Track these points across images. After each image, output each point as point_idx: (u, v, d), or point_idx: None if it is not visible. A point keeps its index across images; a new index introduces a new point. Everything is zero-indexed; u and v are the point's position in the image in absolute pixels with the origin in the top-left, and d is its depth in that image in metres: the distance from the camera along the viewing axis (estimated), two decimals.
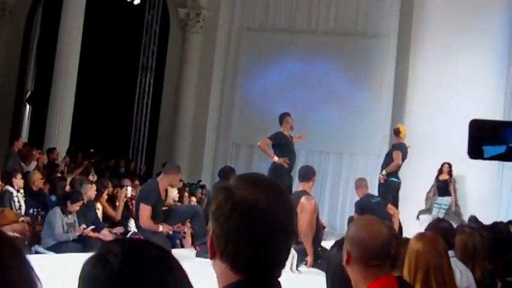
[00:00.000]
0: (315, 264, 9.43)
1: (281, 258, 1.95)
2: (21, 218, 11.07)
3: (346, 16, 19.38)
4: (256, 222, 1.87)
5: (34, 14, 22.54)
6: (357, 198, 13.04)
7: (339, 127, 18.44)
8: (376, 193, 13.66)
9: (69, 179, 13.67)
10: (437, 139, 16.52)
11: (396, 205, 14.01)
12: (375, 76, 18.63)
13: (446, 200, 16.39)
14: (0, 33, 21.92)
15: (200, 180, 18.80)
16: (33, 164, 15.01)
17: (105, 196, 12.74)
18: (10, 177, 11.93)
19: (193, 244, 11.15)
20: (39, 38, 23.12)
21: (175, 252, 9.46)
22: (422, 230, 5.28)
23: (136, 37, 23.52)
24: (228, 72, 20.58)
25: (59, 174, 14.72)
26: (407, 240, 4.57)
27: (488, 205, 15.75)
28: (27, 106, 23.72)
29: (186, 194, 15.13)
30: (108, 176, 16.02)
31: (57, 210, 10.78)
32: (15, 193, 11.61)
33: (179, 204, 13.39)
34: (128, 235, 11.60)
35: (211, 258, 1.96)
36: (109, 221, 12.48)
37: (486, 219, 9.61)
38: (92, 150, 20.43)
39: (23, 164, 14.82)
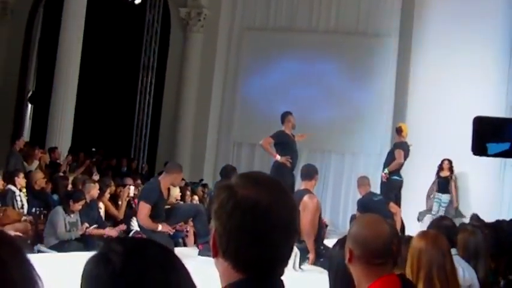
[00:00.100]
0: (317, 263, 9.43)
1: (284, 257, 1.94)
2: (24, 217, 11.08)
3: (347, 15, 19.39)
4: (258, 221, 1.87)
5: (35, 14, 22.55)
6: (359, 196, 13.03)
7: (341, 126, 18.45)
8: (378, 192, 13.66)
9: (71, 178, 13.69)
10: (439, 137, 16.49)
11: (398, 203, 14.01)
12: (377, 75, 18.63)
13: (445, 198, 16.35)
14: (2, 33, 21.93)
15: (202, 179, 18.82)
16: (36, 163, 15.02)
17: (107, 195, 12.76)
18: (12, 176, 11.93)
19: (195, 243, 11.14)
20: (41, 37, 23.13)
21: (178, 250, 9.47)
22: (425, 228, 5.28)
23: (137, 36, 23.52)
24: (229, 71, 20.59)
25: (61, 174, 14.74)
26: (409, 238, 4.57)
27: (491, 203, 15.72)
28: (29, 105, 23.73)
29: (188, 193, 15.14)
30: (111, 175, 16.03)
31: (60, 209, 10.78)
32: (17, 192, 11.62)
33: (181, 203, 13.39)
34: (130, 234, 11.61)
35: (213, 257, 1.95)
36: (111, 220, 12.49)
37: (488, 218, 9.60)
38: (93, 149, 20.43)
39: (25, 163, 14.82)
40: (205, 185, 17.78)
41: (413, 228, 12.86)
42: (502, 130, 2.71)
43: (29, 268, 1.34)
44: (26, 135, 22.23)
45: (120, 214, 12.80)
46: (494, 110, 14.62)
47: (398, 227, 12.54)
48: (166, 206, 10.50)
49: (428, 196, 16.41)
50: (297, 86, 18.85)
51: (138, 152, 23.47)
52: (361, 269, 3.29)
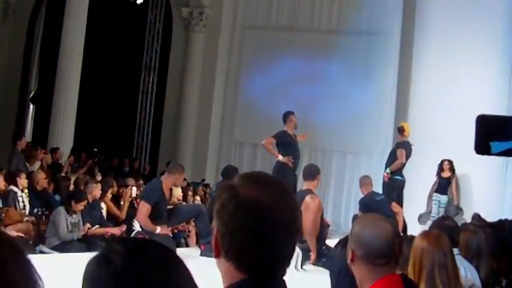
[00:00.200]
0: (319, 263, 9.43)
1: (286, 257, 1.94)
2: (26, 218, 11.08)
3: (349, 14, 19.40)
4: (260, 221, 1.87)
5: (37, 14, 22.56)
6: (361, 196, 13.02)
7: (343, 126, 18.45)
8: (380, 191, 13.65)
9: (73, 179, 13.70)
10: (441, 137, 16.48)
11: (401, 203, 13.99)
12: (378, 74, 18.63)
13: (444, 199, 16.33)
14: (4, 33, 21.94)
15: (204, 179, 18.83)
16: (37, 163, 15.01)
17: (109, 195, 12.77)
18: (14, 177, 11.93)
19: (197, 243, 11.15)
20: (43, 37, 23.15)
21: (180, 251, 9.48)
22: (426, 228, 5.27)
23: (139, 36, 23.53)
24: (231, 70, 20.60)
25: (63, 174, 14.74)
26: (412, 238, 4.57)
27: (493, 203, 15.71)
28: (31, 106, 23.75)
29: (190, 193, 15.16)
30: (113, 176, 16.03)
31: (62, 209, 10.79)
32: (19, 193, 11.61)
33: (183, 203, 13.40)
34: (132, 234, 11.62)
35: (215, 257, 1.95)
36: (113, 220, 12.49)
37: (490, 217, 9.60)
38: (95, 150, 20.44)
39: (27, 163, 14.82)
40: (207, 185, 17.79)
41: (416, 228, 12.87)
42: (506, 128, 2.70)
43: (29, 268, 1.34)
44: (28, 136, 22.24)
45: (122, 214, 12.82)
46: (496, 108, 14.59)
47: (400, 226, 12.53)
48: (169, 206, 10.50)
49: (429, 197, 16.41)
50: (298, 86, 18.85)
51: (140, 152, 23.47)
52: (363, 269, 3.28)
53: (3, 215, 10.69)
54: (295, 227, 1.95)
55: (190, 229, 12.93)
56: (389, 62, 18.55)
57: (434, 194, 16.33)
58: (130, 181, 14.44)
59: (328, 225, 13.50)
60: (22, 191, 11.72)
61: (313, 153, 18.51)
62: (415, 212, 16.00)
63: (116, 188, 13.32)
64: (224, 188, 1.97)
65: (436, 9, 17.48)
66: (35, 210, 11.64)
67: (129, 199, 13.11)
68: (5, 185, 11.43)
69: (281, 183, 2.01)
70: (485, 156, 2.82)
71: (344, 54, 19.00)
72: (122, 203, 13.11)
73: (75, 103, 17.38)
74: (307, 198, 9.73)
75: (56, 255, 9.99)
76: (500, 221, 8.58)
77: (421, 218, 16.18)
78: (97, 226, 11.29)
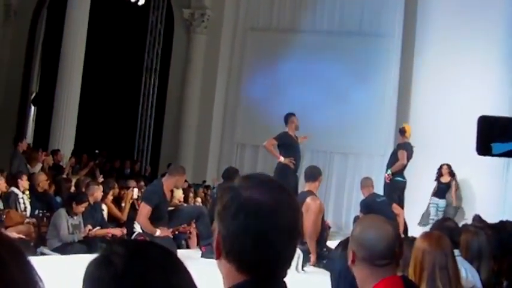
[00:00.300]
0: (320, 264, 9.44)
1: (287, 258, 1.94)
2: (27, 220, 11.08)
3: (350, 16, 19.39)
4: (261, 223, 1.87)
5: (39, 15, 22.57)
6: (362, 197, 13.01)
7: (344, 127, 18.44)
8: (381, 193, 13.65)
9: (74, 180, 13.70)
10: (442, 138, 16.49)
11: (402, 205, 13.98)
12: (379, 76, 18.63)
13: (442, 203, 16.33)
14: (5, 34, 21.95)
15: (205, 181, 18.83)
16: (39, 165, 15.01)
17: (110, 197, 12.77)
18: (15, 178, 11.93)
19: (198, 245, 11.15)
20: (44, 39, 23.15)
21: (181, 253, 9.48)
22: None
23: (140, 38, 23.53)
24: (233, 72, 20.60)
25: (64, 176, 14.74)
26: (413, 239, 4.56)
27: (494, 204, 15.71)
28: (32, 107, 23.75)
29: (191, 195, 15.16)
30: (115, 177, 16.04)
31: (63, 211, 10.80)
32: (20, 195, 11.61)
33: (184, 205, 13.41)
34: (133, 236, 11.61)
35: (216, 259, 1.95)
36: (114, 222, 12.50)
37: (491, 219, 9.58)
38: (97, 151, 20.45)
39: (28, 165, 14.82)
40: (208, 187, 17.81)
41: (417, 229, 12.87)
42: (507, 129, 2.70)
43: (30, 270, 1.34)
44: (29, 137, 22.26)
45: (124, 216, 12.82)
46: (498, 109, 14.57)
47: (401, 228, 12.52)
48: (170, 208, 10.51)
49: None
50: (300, 87, 18.84)
51: (141, 154, 23.48)
52: (364, 271, 3.28)
53: (4, 216, 10.69)
54: (296, 229, 1.95)
55: (191, 231, 12.93)
56: (391, 64, 18.54)
57: (432, 197, 16.34)
58: (132, 183, 14.44)
59: (329, 227, 13.50)
60: (23, 192, 11.72)
61: (314, 154, 18.51)
62: (416, 213, 16.00)
63: (117, 190, 13.33)
64: (226, 189, 1.97)
65: (437, 10, 17.50)
66: (36, 212, 11.65)
67: (130, 201, 13.11)
68: (6, 187, 11.43)
69: (282, 184, 2.01)
70: (487, 157, 2.81)
71: (345, 55, 18.99)
72: (123, 204, 13.12)
73: (76, 105, 17.38)
74: (308, 199, 9.73)
75: (57, 257, 9.99)
76: (501, 222, 8.55)
77: (420, 221, 16.19)
78: (98, 228, 11.30)
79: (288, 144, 12.40)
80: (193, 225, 11.79)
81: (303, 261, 9.18)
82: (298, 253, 8.67)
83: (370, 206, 12.15)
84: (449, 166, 16.18)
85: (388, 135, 17.90)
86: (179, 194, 13.59)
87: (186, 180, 13.93)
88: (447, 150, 16.10)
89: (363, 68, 18.68)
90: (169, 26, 22.38)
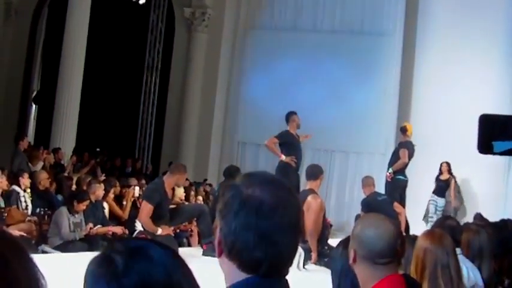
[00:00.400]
0: (321, 263, 9.45)
1: (288, 256, 1.94)
2: (28, 218, 11.08)
3: (351, 14, 19.38)
4: (263, 220, 1.87)
5: (40, 14, 22.57)
6: (364, 196, 13.02)
7: (345, 125, 18.44)
8: (382, 191, 13.65)
9: (75, 179, 13.71)
10: (443, 136, 16.50)
11: (403, 203, 13.99)
12: (381, 74, 18.62)
13: (441, 201, 16.32)
14: (6, 33, 21.95)
15: (206, 179, 18.83)
16: (40, 164, 15.01)
17: (111, 195, 12.78)
18: (17, 176, 11.94)
19: (200, 243, 11.16)
20: (45, 37, 23.15)
21: (182, 251, 9.48)
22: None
23: (141, 36, 23.54)
24: (234, 71, 20.60)
25: (65, 174, 14.75)
26: (415, 237, 4.56)
27: (495, 203, 15.71)
28: (33, 106, 23.76)
29: (193, 193, 15.16)
30: (117, 175, 16.04)
31: (64, 209, 10.80)
32: (22, 193, 11.61)
33: (186, 203, 13.42)
34: (134, 234, 11.62)
35: (218, 257, 1.95)
36: (115, 220, 12.50)
37: (493, 217, 9.59)
38: (98, 150, 20.45)
39: (29, 164, 14.82)
40: (209, 185, 17.81)
41: (418, 227, 12.86)
42: (508, 128, 2.70)
43: (32, 267, 1.34)
44: (30, 136, 22.26)
45: (125, 215, 12.82)
46: (499, 108, 14.58)
47: (402, 227, 12.53)
48: (171, 206, 10.52)
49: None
50: (301, 86, 18.84)
51: (143, 152, 23.49)
52: (365, 270, 3.28)
53: (6, 214, 10.70)
54: (297, 227, 1.95)
55: (192, 229, 12.93)
56: (392, 63, 18.53)
57: (432, 195, 16.32)
58: (133, 181, 14.44)
59: (331, 225, 13.51)
60: (24, 190, 11.72)
61: (315, 153, 18.50)
62: (418, 211, 16.01)
63: (118, 188, 13.33)
64: (228, 187, 1.97)
65: (438, 9, 17.50)
66: (38, 210, 11.64)
67: (132, 199, 13.12)
68: (7, 185, 11.43)
69: (284, 182, 2.00)
70: (488, 156, 2.81)
71: (346, 54, 18.99)
72: (124, 203, 13.12)
73: (77, 103, 17.37)
74: (309, 198, 9.75)
75: (58, 255, 10.00)
76: (502, 220, 8.56)
77: (424, 219, 16.21)
78: (99, 226, 11.31)
79: (289, 143, 12.41)
80: (195, 223, 11.79)
81: (304, 260, 9.19)
82: (300, 251, 8.67)
83: (371, 204, 12.15)
84: (448, 164, 16.18)
85: (389, 134, 17.90)
86: (180, 193, 13.59)
87: (187, 179, 13.94)
88: (448, 149, 16.11)
89: (364, 67, 18.67)
90: (170, 25, 22.37)
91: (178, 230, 12.43)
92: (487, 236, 5.87)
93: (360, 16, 19.35)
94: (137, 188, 13.51)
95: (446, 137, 16.45)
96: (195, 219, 11.10)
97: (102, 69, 22.72)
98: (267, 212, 1.88)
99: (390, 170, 14.12)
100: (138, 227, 11.35)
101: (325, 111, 18.38)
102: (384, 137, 18.07)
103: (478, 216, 10.05)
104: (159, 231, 9.70)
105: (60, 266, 7.53)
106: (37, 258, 1.38)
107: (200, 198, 15.48)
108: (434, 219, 14.29)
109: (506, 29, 16.91)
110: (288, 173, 11.76)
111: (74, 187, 13.22)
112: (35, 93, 23.56)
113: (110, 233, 11.40)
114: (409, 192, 14.56)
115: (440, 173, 16.33)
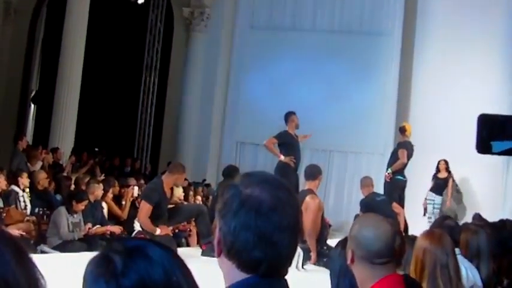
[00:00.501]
0: (320, 263, 9.45)
1: (287, 256, 1.94)
2: (27, 218, 11.08)
3: (350, 14, 19.38)
4: (262, 220, 1.87)
5: (38, 14, 22.56)
6: (362, 196, 13.02)
7: (344, 126, 18.42)
8: (381, 192, 13.65)
9: (74, 178, 13.71)
10: (442, 136, 16.51)
11: (402, 204, 13.99)
12: (379, 74, 18.61)
13: (439, 199, 16.31)
14: (5, 32, 21.93)
15: (205, 179, 18.82)
16: (39, 164, 15.00)
17: (110, 195, 12.77)
18: (16, 176, 11.93)
19: (198, 243, 11.16)
20: (44, 37, 23.14)
21: (181, 251, 9.48)
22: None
23: (140, 36, 23.51)
24: (232, 70, 20.58)
25: (64, 174, 14.74)
26: (414, 238, 4.56)
27: (493, 203, 15.72)
28: (32, 105, 23.75)
29: (191, 193, 15.16)
30: (116, 175, 16.03)
31: (63, 209, 10.81)
32: (20, 193, 11.60)
33: (185, 203, 13.41)
34: (133, 234, 11.64)
35: (217, 256, 1.95)
36: (114, 220, 12.50)
37: (491, 218, 9.59)
38: (96, 149, 20.44)
39: (28, 164, 14.81)
40: (208, 185, 17.80)
41: (417, 227, 12.85)
42: (507, 128, 2.69)
43: (31, 267, 1.34)
44: (29, 135, 22.24)
45: (124, 214, 12.82)
46: (498, 108, 14.60)
47: (401, 227, 12.53)
48: (169, 206, 10.51)
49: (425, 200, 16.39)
50: (300, 86, 18.83)
51: (141, 152, 23.46)
52: (363, 270, 3.28)
53: (4, 214, 10.69)
54: (297, 227, 1.95)
55: (191, 229, 12.93)
56: (391, 62, 18.53)
57: (429, 193, 16.28)
58: (132, 181, 14.44)
59: (330, 225, 13.52)
60: (23, 190, 11.72)
61: (314, 153, 18.48)
62: (417, 211, 16.02)
63: (117, 188, 13.33)
64: (227, 187, 1.97)
65: (437, 9, 17.52)
66: (36, 210, 11.64)
67: (131, 199, 13.11)
68: (6, 185, 11.42)
69: (283, 183, 2.01)
70: (487, 156, 2.81)
71: (345, 54, 18.98)
72: (123, 203, 13.12)
73: (76, 103, 17.37)
74: (307, 198, 9.75)
75: (57, 255, 10.00)
76: (501, 221, 8.57)
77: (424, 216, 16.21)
78: (98, 226, 11.31)
79: (288, 143, 12.42)
80: (193, 223, 11.79)
81: (303, 260, 9.19)
82: (299, 251, 8.67)
83: (369, 205, 12.16)
84: (446, 162, 16.16)
85: (388, 134, 17.89)
86: (179, 193, 13.58)
87: (186, 179, 13.93)
88: (447, 149, 16.11)
89: (363, 67, 18.67)
90: (169, 25, 22.36)
91: (177, 230, 12.43)
92: (486, 236, 5.87)
93: (358, 16, 19.34)
94: (136, 187, 13.50)
95: (445, 137, 16.46)
96: (194, 219, 11.10)
97: (100, 69, 22.71)
98: (266, 211, 1.88)
99: (389, 170, 14.13)
100: (137, 227, 11.37)
101: (324, 111, 18.38)
102: (383, 137, 18.07)
103: (477, 217, 10.06)
104: (158, 231, 9.69)
105: (59, 266, 7.54)
106: (36, 258, 1.38)
107: (199, 198, 15.47)
108: (433, 219, 14.30)
109: (506, 28, 16.91)
110: (287, 173, 11.76)
111: (72, 187, 13.22)
112: (33, 92, 23.55)
113: (108, 232, 11.41)
114: (408, 192, 14.57)
115: (438, 170, 16.31)
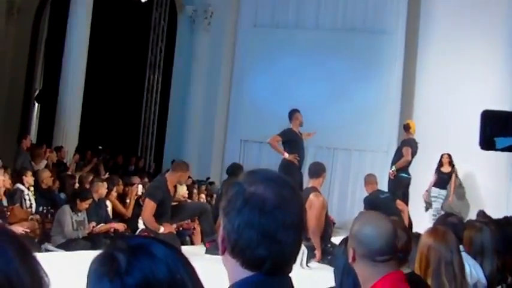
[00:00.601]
0: (325, 260, 9.44)
1: (292, 254, 1.94)
2: (31, 216, 11.08)
3: (354, 12, 19.36)
4: (266, 218, 1.87)
5: (42, 13, 22.58)
6: (366, 194, 13.02)
7: (348, 123, 18.40)
8: (385, 189, 13.64)
9: (78, 177, 13.72)
10: (446, 134, 16.49)
11: (406, 201, 13.98)
12: (383, 72, 18.59)
13: (444, 193, 16.26)
14: (8, 32, 21.95)
15: (209, 177, 18.82)
16: (44, 162, 15.02)
17: (114, 193, 12.78)
18: (20, 175, 11.94)
19: (202, 241, 11.15)
20: (47, 36, 23.17)
21: (185, 249, 9.49)
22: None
23: (144, 35, 23.53)
24: (236, 68, 20.57)
25: (68, 173, 14.76)
26: (418, 235, 4.56)
27: (498, 200, 15.69)
28: (36, 104, 23.77)
29: (195, 191, 15.16)
30: (121, 174, 16.05)
31: (67, 208, 10.82)
32: (26, 191, 11.61)
33: (188, 201, 13.41)
34: (137, 232, 11.64)
35: (221, 254, 1.95)
36: (119, 218, 12.51)
37: (495, 214, 9.57)
38: (100, 148, 20.45)
39: (32, 162, 14.83)
40: (212, 183, 17.80)
41: (421, 225, 12.85)
42: (510, 124, 2.68)
43: (35, 265, 1.34)
44: (33, 134, 22.28)
45: (128, 213, 12.83)
46: (502, 104, 14.57)
47: (405, 224, 12.52)
48: (173, 203, 10.51)
49: (427, 193, 16.30)
50: (303, 84, 18.82)
51: (145, 151, 23.49)
52: (365, 268, 3.28)
53: (8, 213, 10.70)
54: (301, 225, 1.95)
55: (195, 227, 12.93)
56: (394, 60, 18.50)
57: (434, 189, 16.24)
58: (136, 179, 14.44)
59: (334, 223, 13.51)
60: (28, 189, 11.73)
61: (317, 150, 18.46)
62: (421, 209, 16.02)
63: (121, 187, 13.34)
64: (231, 185, 1.97)
65: (441, 7, 17.49)
66: (40, 209, 11.65)
67: (135, 197, 13.12)
68: (10, 184, 11.43)
69: (288, 180, 2.00)
70: (491, 153, 2.80)
71: (349, 52, 18.96)
72: (127, 201, 13.13)
73: (80, 102, 17.38)
74: (311, 196, 9.74)
75: (62, 253, 10.01)
76: (505, 217, 8.55)
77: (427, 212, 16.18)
78: (102, 224, 11.32)
79: (292, 141, 12.42)
80: (197, 221, 11.79)
81: (307, 257, 9.19)
82: (303, 249, 8.68)
83: (373, 202, 12.16)
84: (449, 156, 16.11)
85: (391, 132, 17.88)
86: (183, 191, 13.58)
87: (189, 177, 13.93)
88: (451, 146, 16.09)
89: (367, 65, 18.64)
90: (173, 23, 22.36)
91: (181, 228, 12.44)
92: (490, 233, 5.87)
93: (362, 14, 19.31)
94: (140, 186, 13.51)
95: (449, 134, 16.44)
96: (197, 217, 11.10)
97: (104, 67, 22.73)
98: (270, 209, 1.88)
99: (393, 168, 14.12)
100: (141, 225, 11.37)
101: (328, 108, 18.36)
102: (387, 135, 18.06)
103: (481, 214, 10.04)
104: (162, 229, 9.69)
105: (63, 265, 7.55)
106: (40, 256, 1.39)
107: (203, 196, 15.47)
108: (437, 216, 14.27)
109: (509, 26, 16.89)
110: (291, 171, 11.76)
111: (76, 185, 13.23)
112: (37, 91, 23.58)
113: (112, 230, 11.43)
114: (413, 189, 14.56)
115: (441, 164, 16.26)
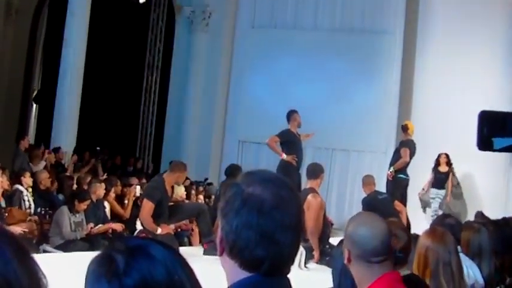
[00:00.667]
0: (323, 261, 9.44)
1: (290, 255, 1.94)
2: (29, 217, 11.08)
3: (352, 13, 19.35)
4: (264, 219, 1.87)
5: (40, 13, 22.59)
6: (364, 195, 13.02)
7: (346, 124, 18.40)
8: (384, 190, 13.64)
9: (76, 178, 13.71)
10: (444, 134, 16.49)
11: (404, 202, 13.98)
12: (381, 73, 18.59)
13: (441, 193, 16.24)
14: (7, 33, 21.95)
15: (207, 178, 18.82)
16: (42, 163, 15.01)
17: (112, 194, 12.78)
18: (19, 176, 11.94)
19: (201, 242, 11.15)
20: (45, 36, 23.16)
21: (183, 250, 9.48)
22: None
23: (142, 35, 23.53)
24: (234, 69, 20.56)
25: (67, 174, 14.75)
26: (417, 236, 4.57)
27: (496, 201, 15.69)
28: (34, 105, 23.77)
29: (193, 192, 15.15)
30: (119, 175, 16.04)
31: (65, 209, 10.82)
32: (25, 192, 11.61)
33: (186, 201, 13.41)
34: (135, 233, 11.63)
35: (220, 255, 1.95)
36: (117, 219, 12.51)
37: (493, 215, 9.58)
38: (98, 149, 20.44)
39: (30, 164, 14.82)
40: (210, 184, 17.80)
41: (420, 226, 12.86)
42: (508, 124, 2.68)
43: (33, 266, 1.34)
44: (31, 135, 22.27)
45: (126, 214, 12.83)
46: (501, 105, 14.57)
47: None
48: (170, 203, 10.50)
49: (424, 193, 16.28)
50: (302, 84, 18.81)
51: (143, 151, 23.48)
52: (360, 269, 3.28)
53: (6, 214, 10.69)
54: (299, 226, 1.95)
55: (193, 228, 12.92)
56: (393, 61, 18.49)
57: (432, 189, 16.23)
58: (134, 180, 14.44)
59: (332, 224, 13.51)
60: (27, 190, 11.72)
61: (316, 151, 18.45)
62: (419, 210, 16.02)
63: (119, 187, 13.33)
64: (229, 186, 1.97)
65: (440, 7, 17.49)
66: (39, 210, 11.64)
67: (133, 198, 13.11)
68: (8, 185, 11.42)
69: (285, 181, 2.00)
70: (489, 153, 2.80)
71: (347, 52, 18.95)
72: (126, 202, 13.12)
73: (78, 102, 17.37)
74: (309, 197, 9.74)
75: (60, 254, 10.01)
76: (504, 218, 8.55)
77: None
78: (100, 225, 11.32)
79: (290, 142, 12.42)
80: (195, 222, 11.79)
81: (305, 258, 9.19)
82: (301, 250, 8.68)
83: (371, 203, 12.16)
84: (447, 155, 16.09)
85: (390, 133, 17.87)
86: (181, 191, 13.58)
87: (187, 178, 13.92)
88: (450, 147, 16.09)
89: (365, 65, 18.63)
90: (171, 24, 22.36)
91: (179, 229, 12.43)
92: (488, 234, 5.87)
93: (360, 14, 19.31)
94: (138, 187, 13.50)
95: (447, 135, 16.44)
96: (195, 218, 11.10)
97: (102, 68, 22.72)
98: (268, 210, 1.87)
99: (391, 169, 14.12)
100: (139, 226, 11.36)
101: (326, 109, 18.36)
102: (385, 136, 18.05)
103: (479, 215, 10.04)
104: (159, 230, 9.69)
105: (61, 266, 7.54)
106: (38, 257, 1.38)
107: (201, 197, 15.47)
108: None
109: (507, 26, 16.89)
110: (289, 171, 11.75)
111: (74, 186, 13.22)
112: (35, 92, 23.57)
113: (110, 230, 11.43)
114: (411, 190, 14.56)
115: (438, 164, 16.24)
